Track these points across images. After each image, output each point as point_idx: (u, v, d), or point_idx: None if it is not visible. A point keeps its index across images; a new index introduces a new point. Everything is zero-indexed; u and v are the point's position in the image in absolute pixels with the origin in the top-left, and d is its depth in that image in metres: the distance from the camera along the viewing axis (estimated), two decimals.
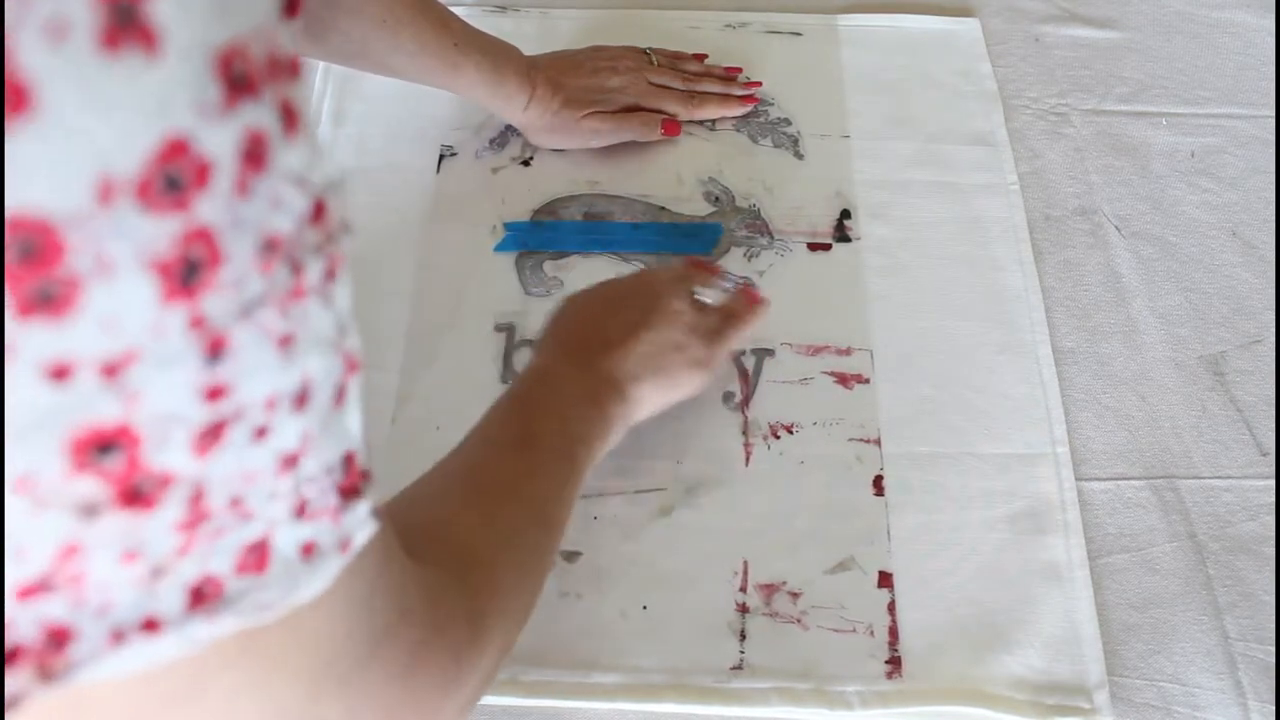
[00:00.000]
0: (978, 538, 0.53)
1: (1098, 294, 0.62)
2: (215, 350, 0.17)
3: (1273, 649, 0.50)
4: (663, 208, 0.65)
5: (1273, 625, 0.51)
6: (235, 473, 0.18)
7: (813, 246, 0.64)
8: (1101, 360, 0.60)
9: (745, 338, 0.55)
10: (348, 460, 0.21)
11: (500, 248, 0.63)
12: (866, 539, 0.53)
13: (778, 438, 0.56)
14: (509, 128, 0.67)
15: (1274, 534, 0.54)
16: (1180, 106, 0.72)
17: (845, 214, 0.65)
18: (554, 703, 0.48)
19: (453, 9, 0.60)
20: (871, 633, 0.50)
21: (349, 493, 0.22)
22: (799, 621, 0.50)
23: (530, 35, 0.72)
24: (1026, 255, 0.63)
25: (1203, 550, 0.53)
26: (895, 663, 0.49)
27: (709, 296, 0.54)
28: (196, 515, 0.18)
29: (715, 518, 0.53)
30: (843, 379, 0.58)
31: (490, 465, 0.41)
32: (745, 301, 0.55)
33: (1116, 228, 0.65)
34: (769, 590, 0.51)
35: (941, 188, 0.66)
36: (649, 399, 0.49)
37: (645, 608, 0.51)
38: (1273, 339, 0.61)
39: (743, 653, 0.50)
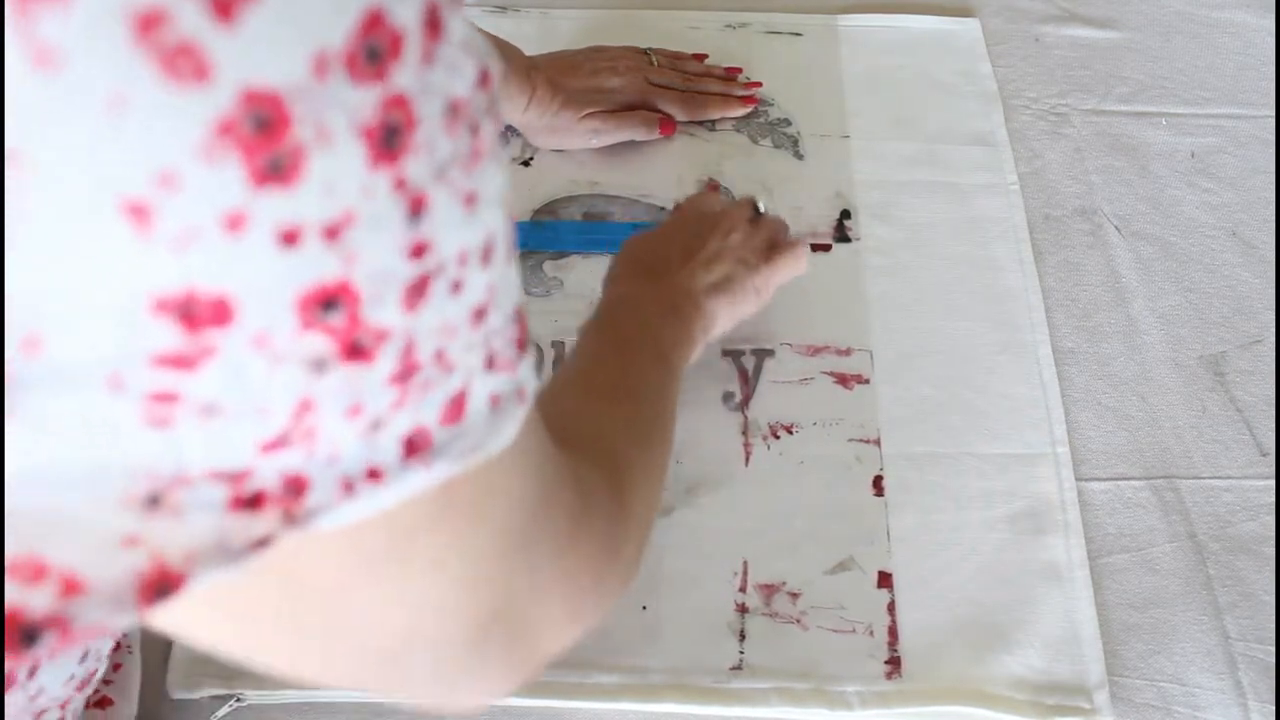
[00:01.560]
0: (977, 538, 0.53)
1: (1098, 294, 0.62)
2: (416, 209, 0.18)
3: (1273, 649, 0.50)
4: (662, 208, 0.65)
5: (1273, 625, 0.51)
6: (438, 326, 0.20)
7: (813, 247, 0.64)
8: (1101, 360, 0.60)
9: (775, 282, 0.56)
10: (518, 314, 0.23)
11: None
12: (866, 539, 0.53)
13: (777, 438, 0.56)
14: (508, 128, 0.67)
15: (1274, 534, 0.54)
16: (1180, 106, 0.72)
17: (845, 214, 0.65)
18: (554, 703, 0.48)
19: None
20: (871, 633, 0.50)
21: (521, 345, 0.23)
22: (799, 621, 0.50)
23: (530, 35, 0.72)
24: (1026, 255, 0.63)
25: (1203, 550, 0.53)
26: (895, 663, 0.49)
27: (762, 205, 0.59)
28: (407, 368, 0.19)
29: (715, 518, 0.53)
30: (843, 379, 0.58)
31: (597, 371, 0.44)
32: (785, 234, 0.59)
33: (1116, 228, 0.65)
34: (769, 590, 0.51)
35: (941, 188, 0.66)
36: (720, 312, 0.52)
37: (645, 608, 0.51)
38: (1273, 339, 0.61)
39: (742, 653, 0.50)
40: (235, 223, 0.15)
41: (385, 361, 0.19)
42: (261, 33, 0.15)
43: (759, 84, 0.70)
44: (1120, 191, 0.67)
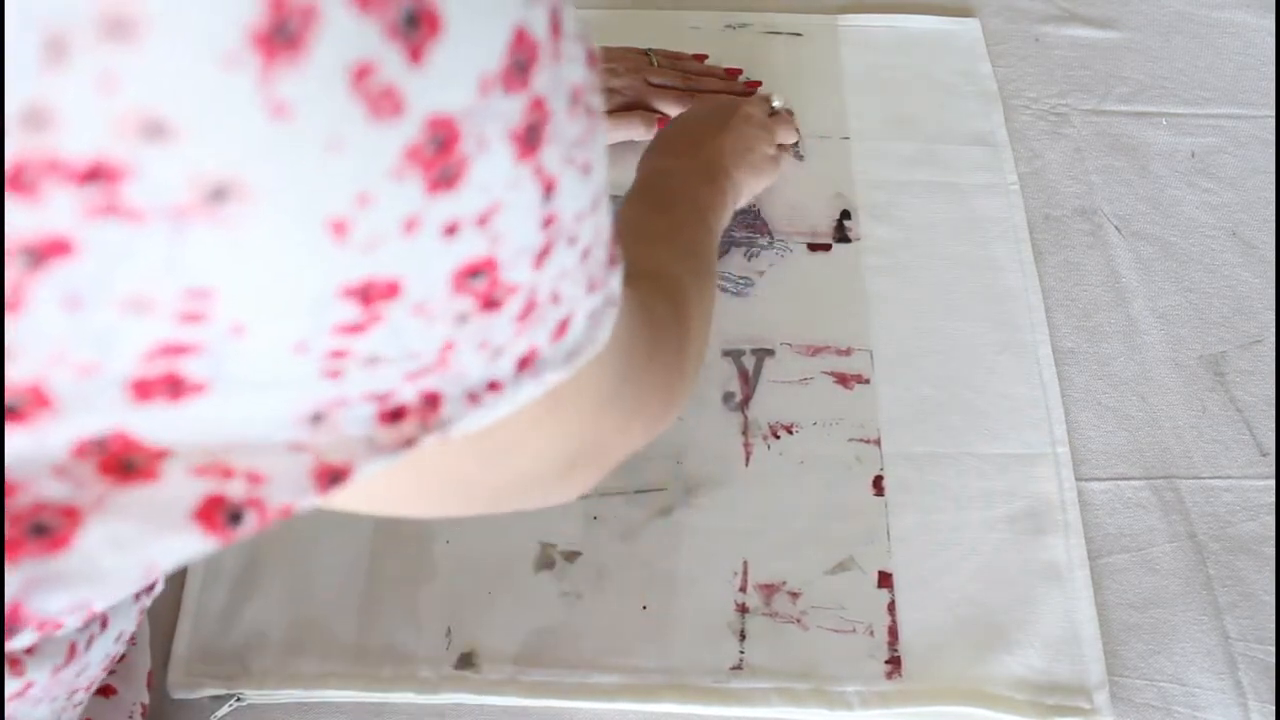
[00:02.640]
0: (977, 538, 0.53)
1: (1098, 294, 0.62)
2: (549, 190, 0.21)
3: (1273, 649, 0.50)
4: None
5: (1273, 625, 0.51)
6: (556, 274, 0.23)
7: (813, 246, 0.64)
8: (1101, 360, 0.60)
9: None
10: (612, 235, 0.26)
11: None
12: (866, 539, 0.53)
13: (778, 438, 0.56)
14: None
15: (1274, 534, 0.54)
16: (1180, 106, 0.72)
17: (845, 214, 0.65)
18: (554, 703, 0.48)
19: None
20: (871, 633, 0.50)
21: (613, 262, 0.26)
22: (799, 621, 0.50)
23: None
24: (1026, 255, 0.63)
25: (1203, 550, 0.53)
26: (895, 663, 0.49)
27: (777, 102, 0.66)
28: (529, 309, 0.22)
29: (715, 518, 0.53)
30: (843, 379, 0.58)
31: (645, 223, 0.47)
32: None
33: (1116, 228, 0.65)
34: (769, 590, 0.51)
35: (941, 188, 0.66)
36: (745, 181, 0.58)
37: (645, 608, 0.51)
38: (1273, 339, 0.61)
39: (742, 653, 0.50)
40: (411, 226, 0.18)
41: (513, 307, 0.22)
42: (443, 68, 0.17)
43: (758, 83, 0.70)
44: (1120, 191, 0.67)
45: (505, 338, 0.22)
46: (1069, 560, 0.52)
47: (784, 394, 0.58)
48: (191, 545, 0.20)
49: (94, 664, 0.33)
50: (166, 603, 0.50)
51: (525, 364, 0.24)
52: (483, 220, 0.19)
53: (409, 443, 0.22)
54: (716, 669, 0.49)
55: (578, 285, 0.24)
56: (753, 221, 0.65)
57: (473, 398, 0.23)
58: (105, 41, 0.13)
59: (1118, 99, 0.72)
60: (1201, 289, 0.63)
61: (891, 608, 0.51)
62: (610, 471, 0.34)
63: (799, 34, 0.74)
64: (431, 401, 0.22)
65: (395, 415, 0.22)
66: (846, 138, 0.69)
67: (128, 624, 0.35)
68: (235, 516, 0.20)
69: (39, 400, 0.17)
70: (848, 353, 0.59)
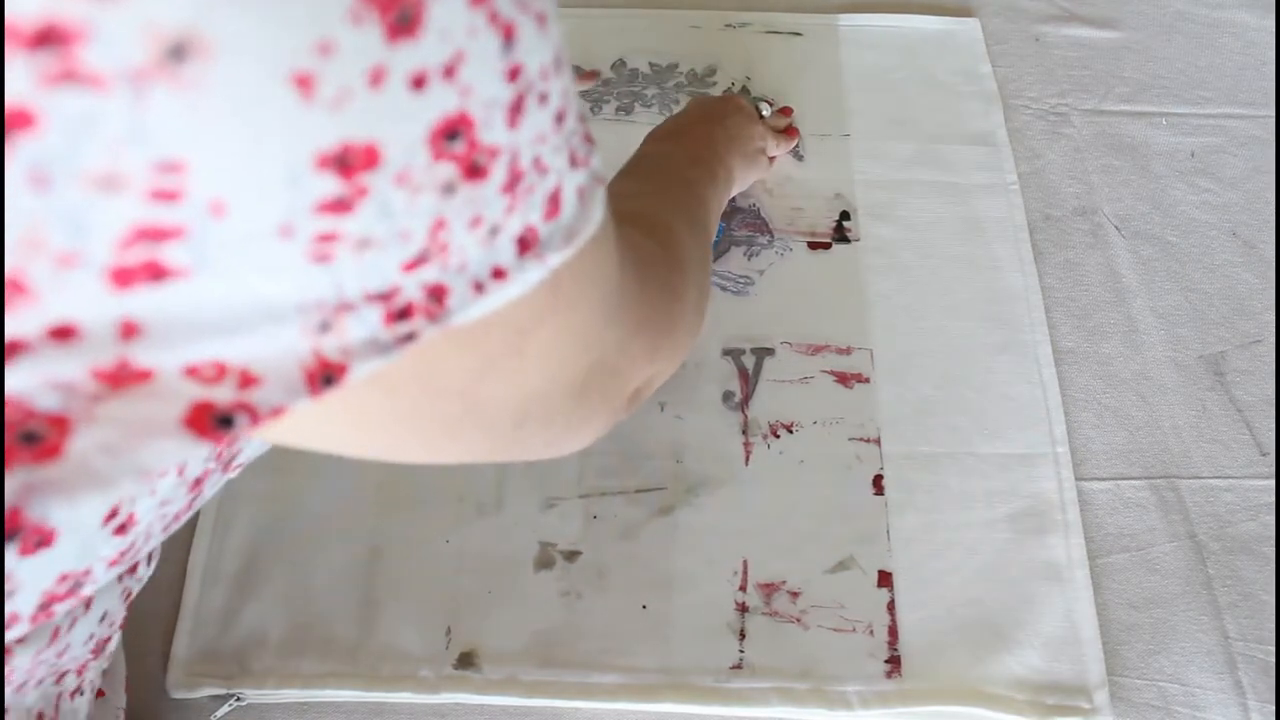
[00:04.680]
0: (978, 537, 0.53)
1: (1098, 294, 0.62)
2: (508, 38, 0.20)
3: (1273, 649, 0.50)
4: None
5: (1273, 625, 0.51)
6: (533, 136, 0.22)
7: (813, 246, 0.64)
8: (1101, 360, 0.60)
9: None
10: (580, 114, 0.25)
11: None
12: (866, 539, 0.53)
13: (778, 437, 0.56)
14: None
15: (1274, 534, 0.54)
16: (1180, 106, 0.72)
17: (845, 215, 0.65)
18: (554, 703, 0.48)
19: None
20: (871, 632, 0.50)
21: (589, 139, 0.26)
22: (799, 621, 0.50)
23: None
24: (1026, 255, 0.63)
25: (1203, 550, 0.53)
26: (895, 662, 0.49)
27: (765, 109, 0.68)
28: (514, 177, 0.22)
29: (715, 517, 0.53)
30: (843, 378, 0.58)
31: (628, 187, 0.47)
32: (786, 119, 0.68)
33: (1116, 228, 0.65)
34: (769, 590, 0.51)
35: (941, 188, 0.66)
36: (737, 168, 0.58)
37: (645, 607, 0.51)
38: (1273, 339, 0.61)
39: (742, 652, 0.50)
40: (377, 77, 0.17)
41: (498, 174, 0.21)
42: None
43: (790, 109, 0.69)
44: (1120, 191, 0.67)
45: (496, 212, 0.22)
46: (1069, 560, 0.52)
47: (784, 393, 0.58)
48: (184, 449, 0.20)
49: (76, 643, 0.33)
50: (166, 603, 0.50)
51: (525, 245, 0.23)
52: (449, 71, 0.19)
53: (410, 337, 0.22)
54: (716, 668, 0.49)
55: (559, 155, 0.23)
56: (753, 220, 0.65)
57: (478, 286, 0.22)
58: None
59: (1118, 99, 0.72)
60: (1201, 289, 0.63)
61: (891, 607, 0.51)
62: (628, 407, 0.34)
63: (799, 33, 0.74)
64: (437, 295, 0.22)
65: (402, 314, 0.21)
66: (847, 136, 0.69)
67: (112, 604, 0.35)
68: (225, 420, 0.20)
69: (18, 290, 0.17)
70: (848, 352, 0.59)
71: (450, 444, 0.28)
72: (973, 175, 0.67)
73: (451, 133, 0.20)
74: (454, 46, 0.19)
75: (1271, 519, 0.54)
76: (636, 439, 0.55)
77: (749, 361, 0.59)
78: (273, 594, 0.50)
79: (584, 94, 0.71)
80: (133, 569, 0.35)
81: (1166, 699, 0.49)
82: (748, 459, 0.55)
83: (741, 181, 0.60)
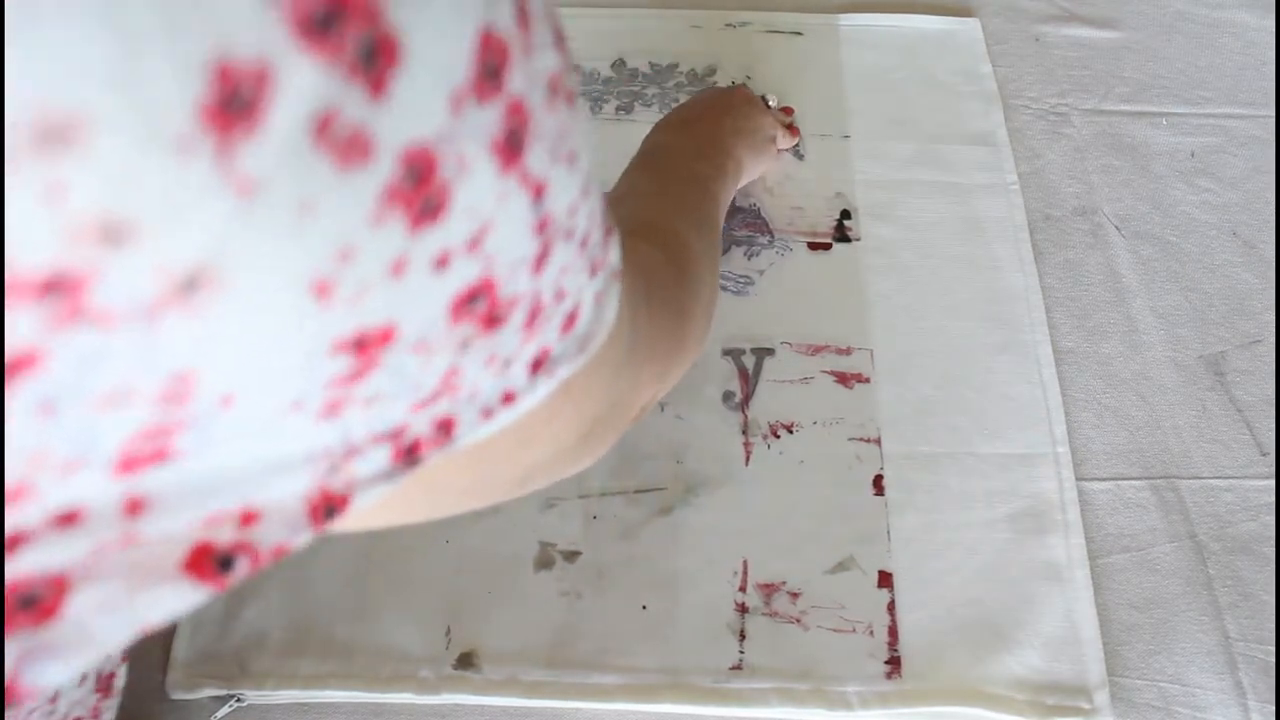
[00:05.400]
0: (978, 537, 0.53)
1: (1098, 294, 0.62)
2: (539, 194, 0.19)
3: (1273, 649, 0.50)
4: None
5: (1273, 625, 0.51)
6: (557, 272, 0.21)
7: (813, 246, 0.64)
8: (1101, 360, 0.60)
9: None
10: (604, 207, 0.24)
11: None
12: (866, 539, 0.53)
13: (778, 437, 0.56)
14: None
15: (1274, 534, 0.54)
16: (1180, 106, 0.72)
17: (845, 214, 0.65)
18: (554, 703, 0.48)
19: None
20: (871, 633, 0.50)
21: (609, 233, 0.25)
22: (799, 621, 0.50)
23: None
24: (1026, 255, 0.63)
25: (1203, 550, 0.53)
26: (895, 663, 0.49)
27: (772, 100, 0.69)
28: (534, 314, 0.21)
29: (715, 517, 0.53)
30: (843, 378, 0.58)
31: (633, 183, 0.46)
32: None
33: (1116, 228, 0.65)
34: (769, 590, 0.51)
35: (942, 188, 0.66)
36: (745, 159, 0.58)
37: (645, 608, 0.51)
38: (1273, 339, 0.61)
39: (742, 653, 0.50)
40: (399, 268, 0.17)
41: (517, 319, 0.21)
42: (409, 95, 0.15)
43: (791, 109, 0.70)
44: (1120, 191, 0.67)
45: (513, 348, 0.21)
46: (1069, 560, 0.52)
47: (784, 393, 0.58)
48: (184, 597, 0.19)
49: (67, 687, 0.33)
50: None
51: (538, 366, 0.23)
52: (473, 244, 0.18)
53: (414, 463, 0.21)
54: (716, 669, 0.49)
55: (580, 274, 0.23)
56: (753, 220, 0.65)
57: (487, 413, 0.22)
58: (46, 152, 0.12)
59: (1118, 99, 0.72)
60: (1201, 289, 0.63)
61: (891, 607, 0.51)
62: (633, 423, 0.34)
63: (799, 33, 0.74)
64: (445, 427, 0.21)
65: (410, 451, 0.21)
66: (847, 137, 0.69)
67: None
68: (225, 562, 0.19)
69: (20, 494, 0.16)
70: (848, 352, 0.59)
71: (450, 510, 0.29)
72: (973, 175, 0.67)
73: (473, 298, 0.19)
74: (481, 220, 0.18)
75: (1271, 519, 0.54)
76: (636, 439, 0.55)
77: (749, 361, 0.59)
78: (273, 594, 0.50)
79: (584, 93, 0.71)
80: None
81: (1167, 699, 0.49)
82: (748, 459, 0.55)
83: (749, 173, 0.60)
